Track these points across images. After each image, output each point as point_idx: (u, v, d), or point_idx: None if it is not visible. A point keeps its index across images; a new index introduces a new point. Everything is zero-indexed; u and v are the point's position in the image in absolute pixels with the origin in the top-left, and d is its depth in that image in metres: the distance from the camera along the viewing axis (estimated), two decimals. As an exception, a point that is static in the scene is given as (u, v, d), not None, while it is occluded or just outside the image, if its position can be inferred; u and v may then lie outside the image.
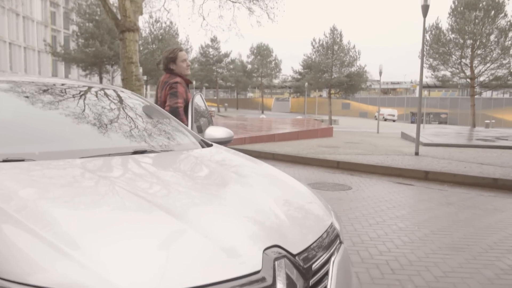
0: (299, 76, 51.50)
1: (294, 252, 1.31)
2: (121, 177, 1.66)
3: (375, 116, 30.85)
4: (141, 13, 11.75)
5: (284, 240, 1.32)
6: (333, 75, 38.92)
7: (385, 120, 52.72)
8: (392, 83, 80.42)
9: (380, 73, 25.61)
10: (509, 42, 29.74)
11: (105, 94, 2.64)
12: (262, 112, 57.46)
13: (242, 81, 62.70)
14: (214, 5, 78.44)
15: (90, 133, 2.12)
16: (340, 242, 1.62)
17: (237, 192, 1.69)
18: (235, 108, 70.94)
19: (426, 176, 7.48)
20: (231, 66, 63.28)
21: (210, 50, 61.11)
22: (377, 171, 8.01)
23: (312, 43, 40.75)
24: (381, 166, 8.11)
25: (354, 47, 38.87)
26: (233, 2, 16.65)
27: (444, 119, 57.08)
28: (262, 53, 62.60)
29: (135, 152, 1.95)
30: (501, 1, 29.94)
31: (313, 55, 41.11)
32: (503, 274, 3.20)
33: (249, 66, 64.30)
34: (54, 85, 2.46)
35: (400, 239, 3.97)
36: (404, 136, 17.90)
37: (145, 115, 2.65)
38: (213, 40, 59.40)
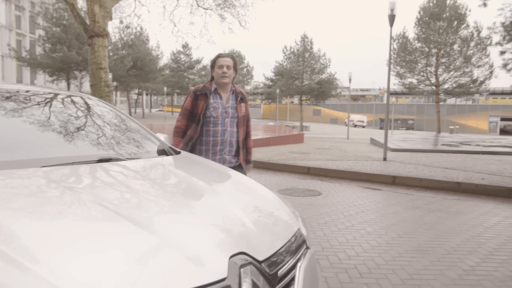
0: (270, 83, 51.81)
1: (260, 258, 1.32)
2: (85, 187, 1.62)
3: (345, 122, 31.50)
4: (111, 19, 11.57)
5: (250, 247, 1.33)
6: (304, 82, 39.42)
7: (355, 126, 53.73)
8: (362, 90, 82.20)
9: (350, 80, 26.15)
10: (471, 51, 31.01)
11: (71, 101, 2.58)
12: (234, 119, 57.31)
13: (214, 87, 62.53)
14: (185, 12, 78.15)
15: (54, 141, 2.07)
16: (307, 248, 1.65)
17: (205, 200, 1.69)
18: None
19: (393, 181, 7.67)
20: (203, 73, 63.05)
21: (182, 56, 60.72)
22: (347, 177, 8.16)
23: (283, 50, 41.18)
24: (350, 172, 8.26)
25: (324, 54, 39.54)
26: (204, 9, 16.63)
27: (411, 125, 58.76)
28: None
29: (100, 160, 1.92)
30: (463, 12, 31.25)
31: (284, 62, 41.53)
32: (465, 275, 3.32)
33: (221, 73, 64.27)
34: (18, 91, 2.39)
35: (368, 243, 4.06)
36: (373, 142, 18.30)
37: (112, 123, 2.61)
38: (185, 46, 59.09)
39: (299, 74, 39.65)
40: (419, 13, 32.61)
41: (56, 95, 2.63)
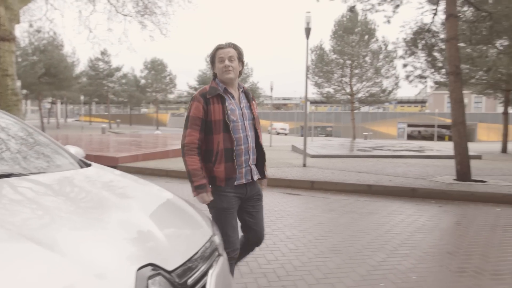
0: (194, 92, 51.57)
1: (170, 268, 1.35)
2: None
3: (268, 130, 32.33)
4: (18, 22, 10.74)
5: (160, 258, 1.35)
6: (227, 90, 39.85)
7: (278, 134, 55.26)
8: (284, 98, 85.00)
9: (271, 89, 26.91)
10: (380, 63, 33.67)
11: (-33, 113, 2.39)
12: (157, 128, 56.11)
13: (135, 96, 60.59)
14: (103, 17, 74.84)
15: None
16: (219, 255, 1.70)
17: (116, 214, 1.67)
18: (129, 124, 68.13)
19: (312, 186, 8.05)
20: (123, 81, 60.81)
21: (100, 63, 58.02)
22: (268, 183, 8.33)
23: (206, 59, 41.29)
24: (272, 179, 8.49)
25: (246, 64, 40.39)
26: (124, 15, 16.13)
27: (329, 132, 61.89)
28: (156, 67, 61.36)
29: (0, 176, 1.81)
30: (372, 27, 33.82)
31: (207, 71, 41.64)
32: (373, 270, 3.60)
33: (143, 81, 62.53)
34: None
35: (287, 247, 4.22)
36: (294, 148, 18.99)
37: (18, 136, 2.45)
38: (104, 53, 56.58)
39: (222, 83, 39.95)
40: (334, 26, 34.65)
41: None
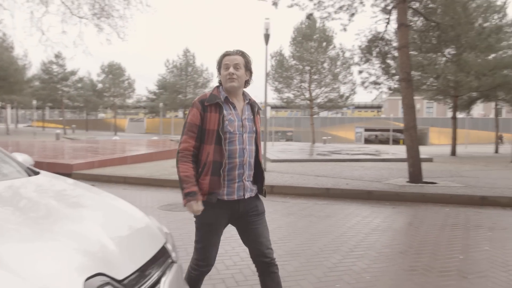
0: (154, 96, 50.64)
1: (120, 277, 1.33)
2: None
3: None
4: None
5: (109, 267, 1.33)
6: (187, 95, 39.51)
7: (239, 139, 55.40)
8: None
9: (232, 94, 26.96)
10: (338, 70, 34.59)
11: None
12: (115, 134, 54.67)
13: (92, 101, 58.75)
14: (57, 19, 72.17)
15: None
16: (173, 262, 1.69)
17: (67, 224, 1.62)
18: (85, 130, 65.91)
19: (272, 190, 8.12)
20: (79, 85, 58.84)
21: (54, 67, 55.82)
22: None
23: (166, 64, 40.80)
24: (232, 184, 8.51)
25: (207, 69, 40.29)
26: (79, 17, 15.64)
27: (290, 136, 62.67)
28: (114, 72, 59.83)
29: None
30: (330, 34, 34.70)
31: (167, 75, 41.14)
32: (329, 272, 3.69)
33: (100, 85, 60.79)
34: None
35: (246, 252, 4.20)
36: (255, 153, 19.08)
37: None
38: (58, 56, 54.50)
39: (182, 88, 39.57)
40: (294, 33, 35.26)
41: None
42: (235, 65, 2.38)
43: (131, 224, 1.81)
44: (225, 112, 2.37)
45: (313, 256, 4.12)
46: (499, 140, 41.53)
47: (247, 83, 2.50)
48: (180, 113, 56.15)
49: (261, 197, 2.56)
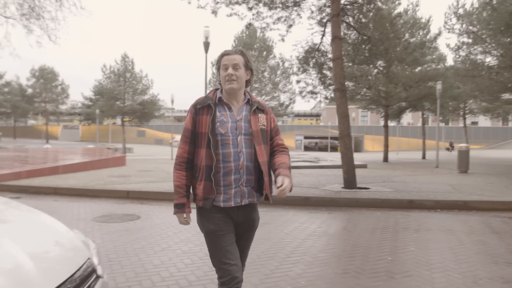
0: (90, 103, 48.43)
1: (37, 296, 1.26)
2: None
3: (170, 143, 31.70)
4: None
5: (25, 286, 1.25)
6: (126, 102, 38.25)
7: (180, 146, 54.56)
8: (185, 111, 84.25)
9: (172, 101, 26.59)
10: (278, 79, 35.35)
11: None
12: (47, 142, 51.56)
13: (20, 106, 55.03)
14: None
15: None
16: (98, 277, 1.63)
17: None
18: (13, 138, 61.45)
19: (211, 199, 8.07)
20: (6, 90, 54.91)
21: (-23, 69, 51.66)
22: (167, 198, 8.21)
23: (102, 69, 39.20)
24: (170, 193, 8.34)
25: (146, 75, 39.23)
26: (5, 17, 14.63)
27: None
28: (45, 76, 56.54)
29: None
30: (270, 44, 35.40)
31: (104, 81, 39.55)
32: (266, 278, 3.73)
33: (30, 90, 57.11)
34: None
35: (183, 262, 4.17)
36: (196, 161, 18.90)
37: None
38: (-19, 58, 50.49)
39: (120, 94, 38.26)
40: (234, 42, 35.52)
41: None
42: (234, 65, 2.26)
43: (52, 239, 1.72)
44: (218, 113, 2.26)
45: (250, 263, 4.15)
46: (450, 146, 45.01)
47: (248, 82, 2.36)
48: (118, 120, 54.21)
49: (260, 204, 2.41)
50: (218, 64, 2.33)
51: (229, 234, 2.26)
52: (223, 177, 2.21)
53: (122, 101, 38.32)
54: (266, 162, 2.32)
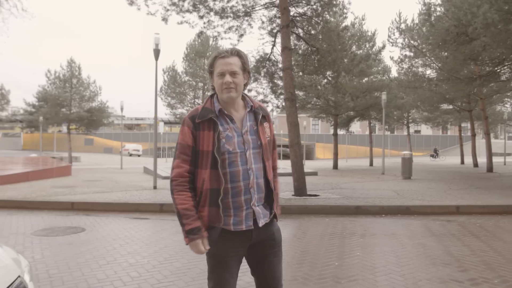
0: (33, 109, 45.99)
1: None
2: None
3: (120, 151, 30.70)
4: None
5: None
6: (72, 109, 36.68)
7: (131, 155, 53.03)
8: (137, 119, 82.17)
9: (122, 109, 25.83)
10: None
11: None
12: (-16, 151, 48.25)
13: (-47, 113, 51.21)
14: None
15: None
16: (29, 295, 1.55)
17: None
18: None
19: (161, 209, 7.91)
20: None
21: None
22: (115, 209, 7.95)
23: (47, 74, 37.39)
24: (118, 203, 8.09)
25: (94, 82, 37.88)
26: None
27: (185, 152, 62.02)
28: (-18, 81, 53.10)
29: None
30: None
31: (48, 87, 37.71)
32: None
33: (-36, 96, 53.31)
34: None
35: (129, 275, 4.05)
36: (146, 170, 18.46)
37: None
38: None
39: (66, 101, 36.65)
40: (187, 49, 35.26)
41: None
42: (232, 72, 1.97)
43: (-21, 257, 1.61)
44: (220, 128, 1.97)
45: (199, 274, 4.10)
46: (434, 153, 45.53)
47: (245, 86, 2.09)
48: (64, 128, 51.86)
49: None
50: (211, 68, 2.03)
51: (234, 261, 2.03)
52: (232, 199, 1.96)
53: (68, 108, 36.72)
54: (272, 179, 2.09)
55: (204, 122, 1.96)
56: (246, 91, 2.15)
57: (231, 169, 1.94)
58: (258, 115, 2.06)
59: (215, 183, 1.91)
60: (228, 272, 1.99)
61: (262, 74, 14.15)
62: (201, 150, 1.95)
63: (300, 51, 13.94)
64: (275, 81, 15.03)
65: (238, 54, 2.03)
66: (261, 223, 1.99)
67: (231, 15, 10.86)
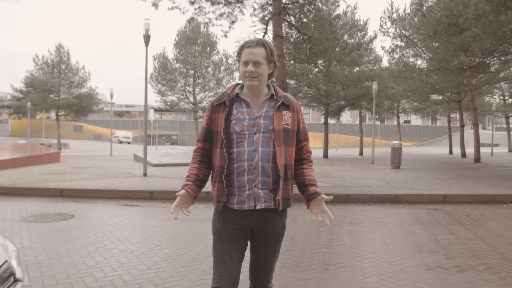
0: (20, 95, 45.26)
1: None
2: None
3: (110, 138, 30.49)
4: None
5: None
6: (61, 95, 36.18)
7: (120, 142, 52.69)
8: (127, 106, 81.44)
9: (112, 95, 25.55)
10: (222, 75, 35.20)
11: None
12: (-29, 137, 47.55)
13: None
14: None
15: None
16: (16, 280, 1.54)
17: None
18: None
19: (151, 196, 7.90)
20: None
21: None
22: (104, 195, 7.92)
23: (34, 59, 36.73)
24: (108, 190, 8.05)
25: (83, 67, 37.33)
26: None
27: (175, 140, 61.78)
28: (-32, 65, 52.01)
29: None
30: (214, 40, 35.17)
31: (36, 72, 37.09)
32: (204, 275, 3.72)
33: (-50, 80, 52.27)
34: None
35: (119, 262, 4.05)
36: (136, 158, 18.38)
37: None
38: None
39: (55, 87, 36.12)
40: (177, 36, 34.85)
41: None
42: (255, 62, 2.07)
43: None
44: (234, 110, 2.11)
45: (188, 261, 4.12)
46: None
47: (271, 76, 2.20)
48: (52, 114, 51.20)
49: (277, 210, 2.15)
50: (238, 56, 2.15)
51: (233, 241, 2.09)
52: (236, 178, 2.06)
53: (57, 94, 36.22)
54: (283, 165, 2.10)
55: (220, 105, 2.14)
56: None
57: (238, 149, 2.06)
58: (278, 102, 2.13)
59: (221, 161, 2.06)
60: (225, 251, 2.07)
61: (254, 62, 14.07)
62: (215, 131, 2.12)
63: (291, 39, 13.88)
64: (267, 69, 14.97)
65: (264, 45, 2.11)
66: (258, 206, 2.04)
67: (223, 1, 10.74)
